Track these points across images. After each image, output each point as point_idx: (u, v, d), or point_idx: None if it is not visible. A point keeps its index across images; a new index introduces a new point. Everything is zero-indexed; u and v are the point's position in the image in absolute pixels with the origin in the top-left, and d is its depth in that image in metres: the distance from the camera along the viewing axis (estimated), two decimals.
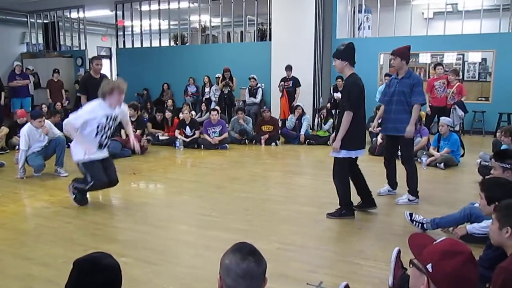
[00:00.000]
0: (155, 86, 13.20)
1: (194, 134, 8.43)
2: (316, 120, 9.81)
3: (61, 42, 15.82)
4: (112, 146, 6.33)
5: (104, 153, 4.48)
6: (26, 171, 5.83)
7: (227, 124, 8.85)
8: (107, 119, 4.30)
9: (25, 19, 15.70)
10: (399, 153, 4.77)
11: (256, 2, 12.03)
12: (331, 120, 8.94)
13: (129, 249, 3.41)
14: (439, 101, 8.37)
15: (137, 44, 14.54)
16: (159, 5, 13.52)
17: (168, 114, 8.90)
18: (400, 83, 4.54)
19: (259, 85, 10.68)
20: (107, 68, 16.71)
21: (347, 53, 3.99)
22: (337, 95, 10.04)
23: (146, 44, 14.30)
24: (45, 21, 15.67)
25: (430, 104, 8.45)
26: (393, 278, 2.68)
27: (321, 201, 4.66)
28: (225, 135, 8.33)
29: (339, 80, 9.88)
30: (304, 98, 10.00)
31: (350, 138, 3.97)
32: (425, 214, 3.90)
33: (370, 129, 8.47)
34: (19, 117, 7.81)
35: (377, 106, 8.79)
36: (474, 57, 11.26)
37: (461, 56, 11.34)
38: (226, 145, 8.30)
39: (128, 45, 14.73)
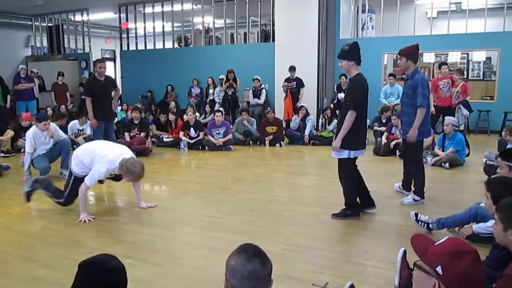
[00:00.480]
0: (159, 88, 13.25)
1: (198, 135, 8.44)
2: (320, 120, 9.81)
3: (66, 45, 15.93)
4: None
5: None
6: (31, 174, 5.85)
7: (231, 126, 8.85)
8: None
9: (30, 23, 15.81)
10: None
11: (259, 3, 12.04)
12: (335, 121, 8.92)
13: (134, 251, 3.42)
14: (443, 101, 8.34)
15: (141, 46, 14.60)
16: (162, 7, 13.56)
17: (171, 117, 8.92)
18: (406, 84, 4.53)
19: (263, 86, 10.69)
20: (111, 70, 16.78)
21: (353, 52, 3.98)
22: (341, 95, 10.03)
23: (149, 46, 14.35)
24: (49, 24, 15.78)
25: (435, 104, 8.42)
26: (399, 278, 2.67)
27: (325, 201, 4.65)
28: (229, 136, 8.33)
29: (343, 77, 9.88)
30: (308, 98, 9.99)
31: (352, 138, 3.95)
32: (430, 214, 3.88)
33: (375, 128, 8.47)
34: (23, 120, 7.86)
35: (382, 107, 8.81)
36: (479, 56, 11.18)
37: (466, 56, 11.28)
38: (230, 146, 8.30)
39: (132, 47, 14.80)
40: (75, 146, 6.23)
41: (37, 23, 15.84)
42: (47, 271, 3.09)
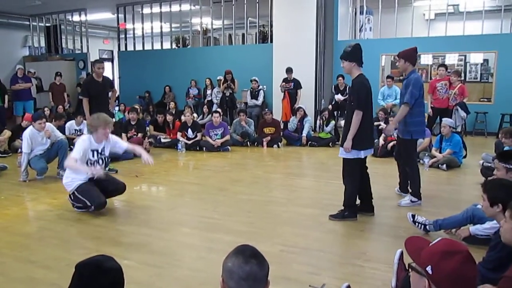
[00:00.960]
0: (157, 88, 13.23)
1: (196, 136, 8.44)
2: (318, 122, 9.81)
3: (63, 45, 15.89)
4: None
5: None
6: (28, 174, 5.84)
7: (229, 126, 8.85)
8: (93, 154, 4.48)
9: (27, 23, 15.77)
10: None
11: (257, 4, 12.05)
12: (333, 122, 8.94)
13: (131, 252, 3.41)
14: (441, 102, 8.36)
15: (139, 47, 14.58)
16: (160, 7, 13.57)
17: (169, 117, 8.91)
18: (402, 85, 4.59)
19: (260, 87, 10.69)
20: (109, 70, 16.76)
21: (355, 54, 4.02)
22: (338, 97, 10.05)
23: (147, 46, 14.34)
24: (47, 25, 15.74)
25: (432, 105, 8.44)
26: (396, 280, 2.67)
27: (323, 202, 4.66)
28: (227, 137, 8.33)
29: (340, 78, 9.91)
30: (306, 100, 10.00)
31: (359, 138, 3.97)
32: (427, 215, 3.89)
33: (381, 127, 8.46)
34: (25, 120, 7.82)
35: (380, 108, 8.81)
36: (476, 58, 11.24)
37: (463, 57, 11.32)
38: (228, 147, 8.30)
39: (130, 48, 14.77)
40: (72, 147, 6.21)
41: (35, 23, 15.80)
42: (43, 272, 3.08)
